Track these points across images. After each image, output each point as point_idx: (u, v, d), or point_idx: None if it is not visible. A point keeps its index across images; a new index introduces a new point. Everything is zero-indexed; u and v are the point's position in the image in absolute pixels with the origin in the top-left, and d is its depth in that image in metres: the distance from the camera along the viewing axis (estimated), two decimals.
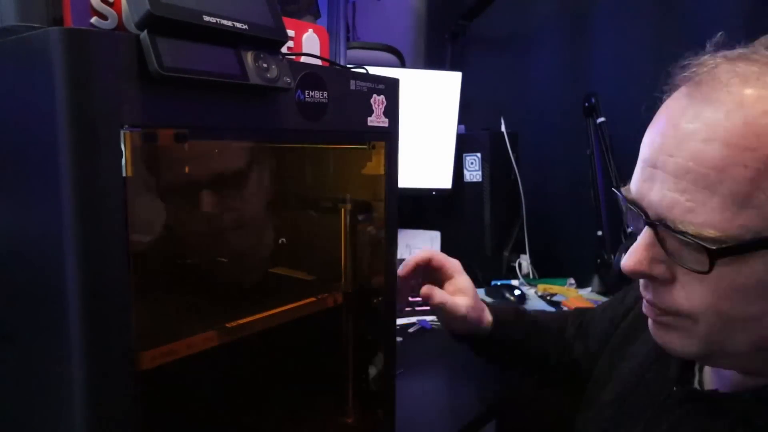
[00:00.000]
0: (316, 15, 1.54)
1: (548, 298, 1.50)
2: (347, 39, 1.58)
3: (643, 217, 0.46)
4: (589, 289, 1.57)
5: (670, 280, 0.45)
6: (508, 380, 1.02)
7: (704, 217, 0.41)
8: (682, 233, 0.42)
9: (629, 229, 0.51)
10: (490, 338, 0.81)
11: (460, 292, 0.79)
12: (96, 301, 0.42)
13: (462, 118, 1.63)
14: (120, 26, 0.46)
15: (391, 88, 0.69)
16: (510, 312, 0.86)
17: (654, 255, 0.46)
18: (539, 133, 1.78)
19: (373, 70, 0.67)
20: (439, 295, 0.78)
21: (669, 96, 0.47)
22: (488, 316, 0.82)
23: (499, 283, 1.53)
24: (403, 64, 1.75)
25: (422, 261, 0.80)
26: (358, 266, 0.76)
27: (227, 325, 0.57)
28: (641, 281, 0.49)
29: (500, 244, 1.68)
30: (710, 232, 0.40)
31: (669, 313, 0.47)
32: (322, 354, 0.79)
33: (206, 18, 0.46)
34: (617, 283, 1.38)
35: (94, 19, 0.45)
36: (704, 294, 0.43)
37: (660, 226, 0.44)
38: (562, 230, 1.79)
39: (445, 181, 1.60)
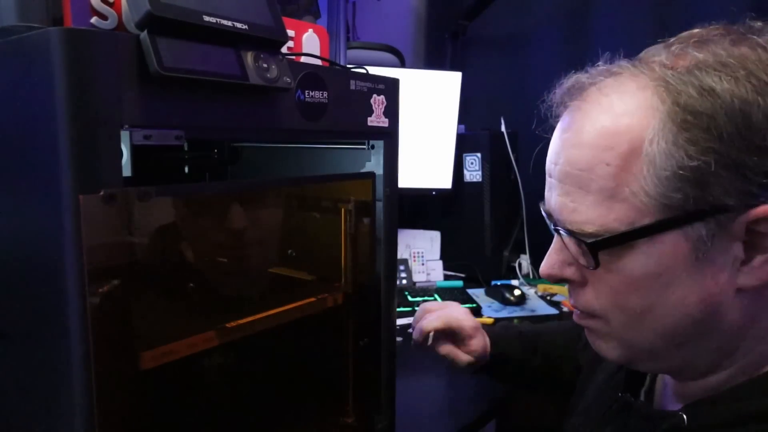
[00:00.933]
0: (316, 15, 1.54)
1: (548, 298, 1.50)
2: (347, 39, 1.58)
3: (552, 225, 0.49)
4: None
5: (582, 283, 0.48)
6: None
7: (584, 215, 0.45)
8: (569, 232, 0.46)
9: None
10: (492, 360, 0.83)
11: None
12: (96, 301, 0.42)
13: (462, 118, 1.63)
14: (120, 26, 0.46)
15: (391, 88, 0.69)
16: (506, 329, 0.89)
17: (564, 258, 0.49)
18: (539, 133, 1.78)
19: (373, 70, 0.67)
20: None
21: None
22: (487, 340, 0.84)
23: (499, 283, 1.53)
24: (403, 64, 1.74)
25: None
26: (358, 266, 0.76)
27: (227, 325, 0.57)
28: (567, 287, 0.51)
29: (500, 244, 1.68)
30: (590, 228, 0.44)
31: (588, 315, 0.50)
32: (322, 354, 0.79)
33: (206, 18, 0.46)
34: None
35: (94, 19, 0.45)
36: (606, 291, 0.46)
37: (560, 230, 0.47)
38: None
39: (445, 181, 1.60)
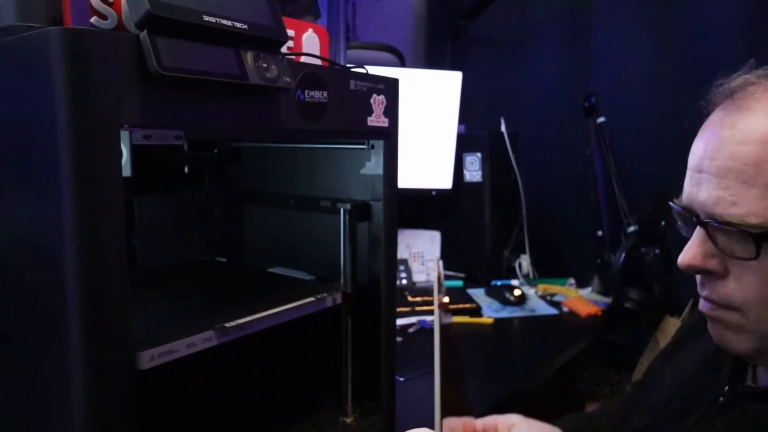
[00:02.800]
0: (316, 15, 1.54)
1: (548, 298, 1.50)
2: (347, 39, 1.58)
3: (694, 219, 0.51)
4: (589, 289, 1.57)
5: (723, 274, 0.50)
6: (509, 381, 1.02)
7: (747, 207, 0.46)
8: (729, 224, 0.47)
9: (683, 233, 0.55)
10: None
11: None
12: (95, 300, 0.42)
13: (462, 118, 1.63)
14: (120, 26, 0.46)
15: (391, 87, 0.69)
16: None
17: (707, 250, 0.50)
18: (539, 133, 1.79)
19: (373, 70, 0.67)
20: None
21: (709, 112, 0.53)
22: None
23: (499, 283, 1.53)
24: (403, 64, 1.75)
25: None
26: (358, 266, 0.76)
27: (226, 324, 0.56)
28: (698, 279, 0.53)
29: (500, 244, 1.69)
30: (753, 220, 0.46)
31: (722, 307, 0.51)
32: (322, 354, 0.79)
33: (206, 18, 0.46)
34: (617, 283, 1.38)
35: (93, 19, 0.45)
36: (754, 283, 0.48)
37: (711, 222, 0.49)
38: (562, 230, 1.79)
39: (445, 182, 1.60)
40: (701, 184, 0.50)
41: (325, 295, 0.70)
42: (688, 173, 0.52)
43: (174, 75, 0.43)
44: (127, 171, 0.73)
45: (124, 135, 0.43)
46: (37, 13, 0.44)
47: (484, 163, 1.62)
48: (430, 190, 1.61)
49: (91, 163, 0.41)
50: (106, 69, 0.41)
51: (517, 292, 1.45)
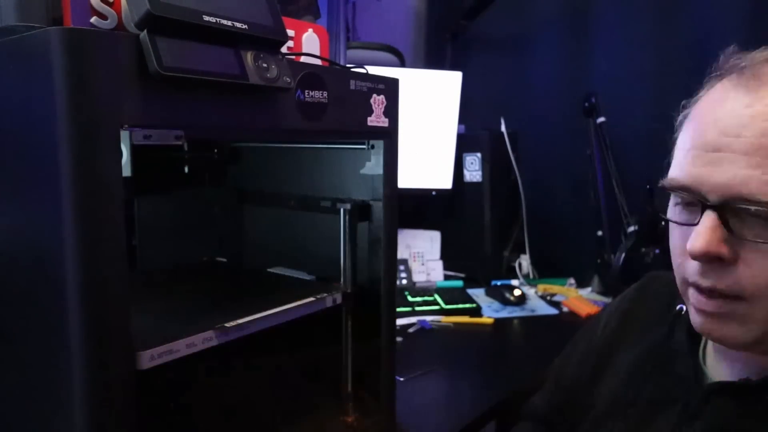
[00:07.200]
0: (316, 15, 1.54)
1: (548, 298, 1.50)
2: (347, 39, 1.58)
3: (706, 202, 0.48)
4: (589, 289, 1.56)
5: (734, 261, 0.47)
6: (509, 381, 1.02)
7: None
8: (760, 203, 0.45)
9: (673, 218, 0.53)
10: None
11: None
12: (95, 300, 0.42)
13: (462, 118, 1.63)
14: (120, 26, 0.46)
15: (391, 88, 0.69)
16: None
17: (719, 236, 0.47)
18: (539, 133, 1.78)
19: (373, 70, 0.67)
20: None
21: (709, 89, 0.52)
22: None
23: (499, 283, 1.53)
24: (403, 64, 1.74)
25: None
26: (358, 266, 0.76)
27: (226, 324, 0.57)
28: (698, 269, 0.50)
29: (500, 244, 1.68)
30: None
31: (727, 299, 0.49)
32: (322, 353, 0.79)
33: (206, 18, 0.46)
34: (617, 283, 1.38)
35: (93, 19, 0.45)
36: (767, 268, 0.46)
37: (731, 204, 0.46)
38: (562, 230, 1.79)
39: (445, 182, 1.60)
40: (719, 164, 0.47)
41: (325, 295, 0.70)
42: (692, 152, 0.50)
43: (174, 75, 0.43)
44: (127, 171, 0.73)
45: (124, 135, 0.43)
46: (37, 13, 0.44)
47: (484, 163, 1.62)
48: (430, 190, 1.61)
49: (91, 163, 0.41)
50: (106, 69, 0.41)
51: (517, 292, 1.45)
